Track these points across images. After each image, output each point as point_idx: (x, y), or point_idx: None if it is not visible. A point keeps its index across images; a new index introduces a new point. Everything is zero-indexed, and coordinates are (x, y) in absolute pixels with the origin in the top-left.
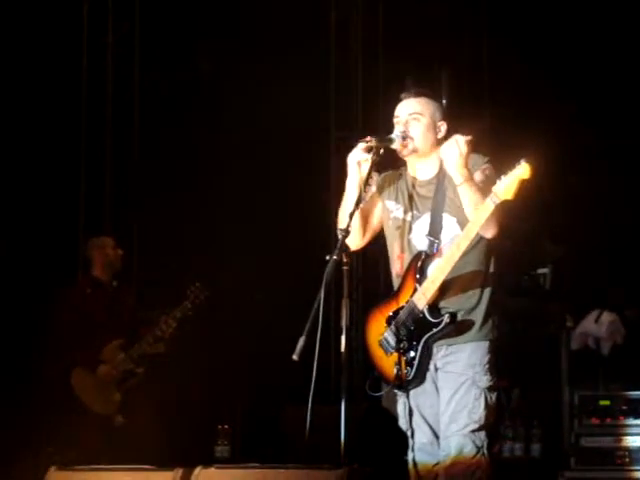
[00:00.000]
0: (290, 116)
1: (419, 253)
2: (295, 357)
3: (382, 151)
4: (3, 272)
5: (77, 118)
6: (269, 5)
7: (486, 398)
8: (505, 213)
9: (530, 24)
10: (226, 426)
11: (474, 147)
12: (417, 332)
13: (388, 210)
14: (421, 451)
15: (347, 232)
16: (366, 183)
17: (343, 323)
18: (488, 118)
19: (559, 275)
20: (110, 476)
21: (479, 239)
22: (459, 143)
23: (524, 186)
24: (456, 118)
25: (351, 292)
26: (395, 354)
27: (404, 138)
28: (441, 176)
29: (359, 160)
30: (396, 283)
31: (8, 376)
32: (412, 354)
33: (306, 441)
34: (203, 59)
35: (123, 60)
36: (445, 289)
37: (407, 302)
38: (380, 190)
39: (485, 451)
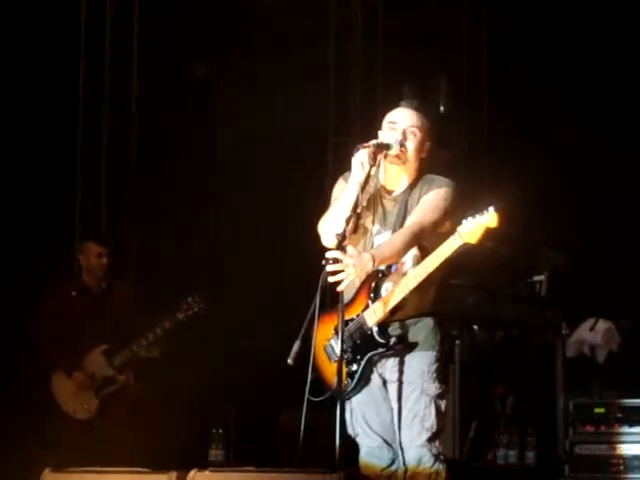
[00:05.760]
0: (288, 122)
1: (376, 272)
2: (290, 361)
3: (380, 157)
4: None
5: (74, 123)
6: (269, 11)
7: (437, 405)
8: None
9: (530, 33)
10: (220, 430)
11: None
12: (363, 347)
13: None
14: (369, 455)
15: (344, 237)
16: (364, 189)
17: (339, 328)
18: (486, 126)
19: (555, 282)
20: (105, 478)
21: None
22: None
23: (489, 234)
24: (454, 125)
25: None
26: (338, 362)
27: (402, 145)
28: (406, 195)
29: (362, 161)
30: (347, 292)
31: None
32: (354, 367)
33: (301, 445)
34: (201, 65)
35: (121, 64)
36: (394, 309)
37: (357, 316)
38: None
39: (442, 457)
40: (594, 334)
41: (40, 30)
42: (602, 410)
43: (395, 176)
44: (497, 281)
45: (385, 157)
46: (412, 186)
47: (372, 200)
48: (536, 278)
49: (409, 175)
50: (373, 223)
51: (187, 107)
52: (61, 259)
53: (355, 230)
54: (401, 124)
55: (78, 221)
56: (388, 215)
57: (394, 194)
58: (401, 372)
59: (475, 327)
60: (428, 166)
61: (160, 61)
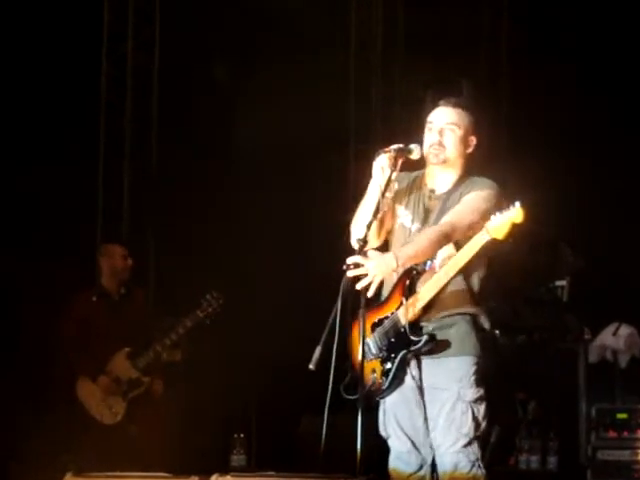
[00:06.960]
0: (310, 128)
1: (410, 269)
2: (311, 366)
3: (400, 162)
4: (19, 283)
5: (96, 124)
6: (289, 15)
7: (473, 411)
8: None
9: (549, 37)
10: (242, 435)
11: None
12: (396, 345)
13: (397, 215)
14: (398, 459)
15: (365, 242)
16: (384, 194)
17: (360, 333)
18: (505, 131)
19: (577, 287)
20: None
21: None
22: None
23: (516, 229)
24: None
25: (368, 302)
26: (374, 361)
27: (436, 145)
28: (450, 193)
29: (382, 166)
30: (386, 290)
31: (22, 384)
32: (389, 365)
33: (322, 451)
34: (221, 70)
35: (142, 67)
36: (427, 307)
37: (392, 314)
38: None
39: (480, 464)
40: (616, 339)
41: (64, 34)
42: (625, 415)
43: (439, 175)
44: (519, 286)
45: (434, 158)
46: (457, 184)
47: (414, 199)
48: (558, 283)
49: (454, 173)
50: (412, 222)
51: (208, 109)
52: (83, 263)
53: (388, 233)
54: (436, 123)
55: (100, 224)
56: (430, 214)
57: (438, 193)
58: (436, 376)
59: (497, 332)
60: (476, 163)
61: (181, 64)
